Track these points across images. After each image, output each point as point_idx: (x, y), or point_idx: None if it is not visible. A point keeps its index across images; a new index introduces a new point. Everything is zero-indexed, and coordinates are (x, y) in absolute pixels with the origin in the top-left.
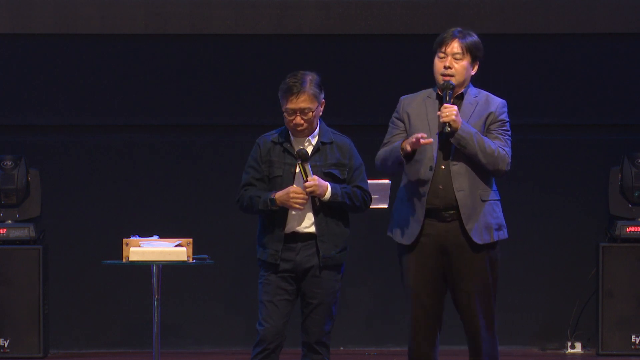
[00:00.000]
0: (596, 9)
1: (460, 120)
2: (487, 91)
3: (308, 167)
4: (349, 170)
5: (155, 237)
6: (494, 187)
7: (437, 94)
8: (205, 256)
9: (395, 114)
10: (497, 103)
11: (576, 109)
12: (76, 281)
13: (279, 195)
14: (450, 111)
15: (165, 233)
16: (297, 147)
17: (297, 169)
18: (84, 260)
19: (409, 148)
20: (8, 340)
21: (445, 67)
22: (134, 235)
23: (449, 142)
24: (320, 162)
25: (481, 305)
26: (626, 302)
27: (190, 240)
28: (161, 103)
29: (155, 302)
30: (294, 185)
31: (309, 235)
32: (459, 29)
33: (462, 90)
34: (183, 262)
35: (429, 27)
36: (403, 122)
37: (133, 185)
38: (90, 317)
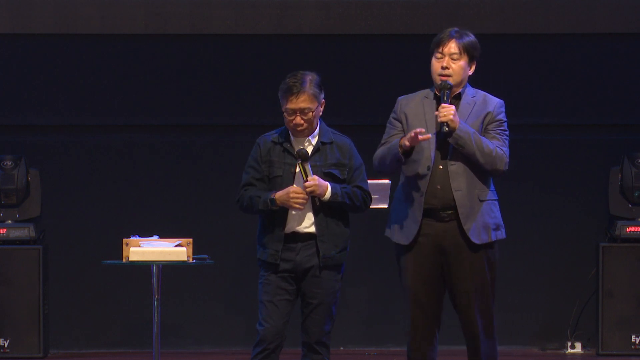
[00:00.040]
0: (596, 9)
1: (458, 120)
2: (488, 91)
3: (308, 167)
4: (349, 170)
5: (155, 237)
6: (492, 187)
7: (435, 94)
8: (205, 256)
9: (392, 114)
10: (494, 103)
11: (576, 109)
12: (76, 281)
13: (279, 195)
14: (448, 111)
15: (165, 233)
16: (297, 147)
17: (297, 169)
18: (84, 260)
19: (407, 143)
20: (8, 340)
21: (442, 67)
22: (134, 235)
23: (447, 142)
24: (320, 162)
25: (479, 305)
26: (626, 302)
27: (190, 240)
28: (161, 103)
29: (155, 302)
30: (294, 185)
31: (309, 235)
32: (455, 29)
33: (460, 90)
34: (183, 262)
35: (429, 27)
36: (401, 122)
37: (133, 185)
38: (90, 317)
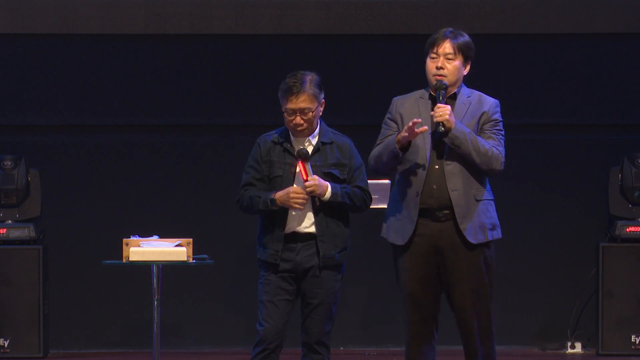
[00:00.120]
0: (596, 9)
1: (454, 120)
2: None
3: (308, 167)
4: (349, 170)
5: (155, 237)
6: (488, 186)
7: (430, 94)
8: (205, 256)
9: (388, 115)
10: (490, 103)
11: (576, 109)
12: (76, 281)
13: (279, 195)
14: (443, 111)
15: (165, 233)
16: (297, 147)
17: (297, 169)
18: (84, 260)
19: (406, 134)
20: (8, 340)
21: (437, 68)
22: (134, 235)
23: (443, 141)
24: (321, 162)
25: (476, 305)
26: (626, 302)
27: (190, 240)
28: (161, 103)
29: (155, 302)
30: (294, 185)
31: (309, 235)
32: (450, 29)
33: (455, 90)
34: (183, 262)
35: (429, 27)
36: (396, 122)
37: (133, 185)
38: (90, 317)
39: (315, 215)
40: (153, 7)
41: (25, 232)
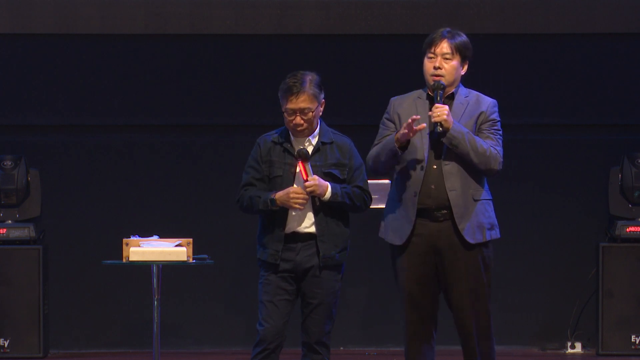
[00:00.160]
0: (596, 9)
1: (452, 120)
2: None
3: (308, 167)
4: (349, 170)
5: (155, 237)
6: (486, 186)
7: (428, 94)
8: (205, 256)
9: (385, 115)
10: (487, 102)
11: (576, 109)
12: (76, 281)
13: (279, 195)
14: (441, 111)
15: (165, 233)
16: (298, 147)
17: (298, 169)
18: (84, 260)
19: (406, 131)
20: (8, 340)
21: (435, 68)
22: (134, 235)
23: (441, 142)
24: (321, 162)
25: (474, 305)
26: (626, 302)
27: (190, 240)
28: (161, 103)
29: (155, 302)
30: (294, 186)
31: (309, 235)
32: (447, 29)
33: (453, 90)
34: (183, 262)
35: (429, 27)
36: (394, 122)
37: (133, 185)
38: (90, 317)
39: (315, 215)
40: (153, 7)
41: (25, 232)
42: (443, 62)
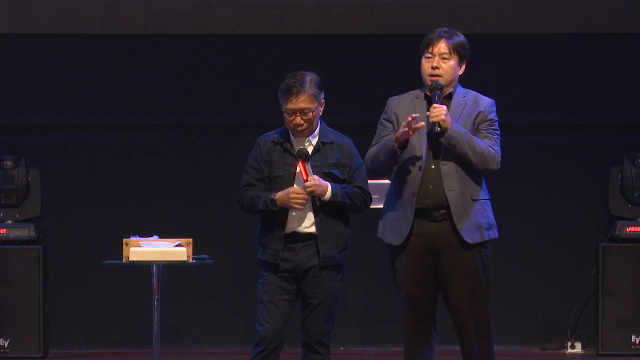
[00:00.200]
0: (596, 9)
1: (450, 120)
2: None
3: (308, 167)
4: (349, 170)
5: (155, 237)
6: (484, 186)
7: (426, 94)
8: (205, 256)
9: (383, 115)
10: (485, 102)
11: (576, 109)
12: (76, 281)
13: (279, 195)
14: (439, 111)
15: (165, 233)
16: (298, 147)
17: (298, 169)
18: (84, 260)
19: (407, 129)
20: (8, 340)
21: (432, 68)
22: (134, 235)
23: (439, 142)
24: (321, 162)
25: (473, 305)
26: (626, 302)
27: (190, 240)
28: (161, 103)
29: (155, 302)
30: (294, 186)
31: (309, 235)
32: (445, 29)
33: (451, 90)
34: (183, 262)
35: (429, 27)
36: (392, 122)
37: (133, 185)
38: (90, 317)
39: (316, 215)
40: (153, 7)
41: (25, 232)
42: (441, 62)
